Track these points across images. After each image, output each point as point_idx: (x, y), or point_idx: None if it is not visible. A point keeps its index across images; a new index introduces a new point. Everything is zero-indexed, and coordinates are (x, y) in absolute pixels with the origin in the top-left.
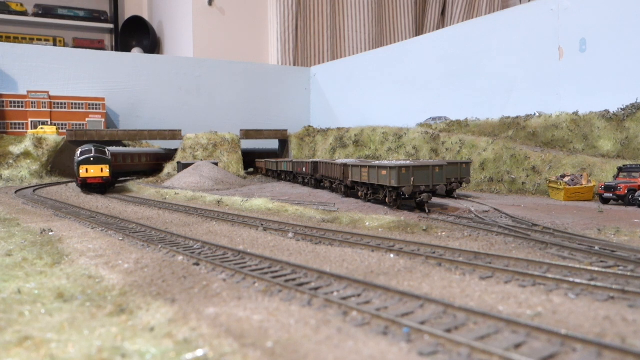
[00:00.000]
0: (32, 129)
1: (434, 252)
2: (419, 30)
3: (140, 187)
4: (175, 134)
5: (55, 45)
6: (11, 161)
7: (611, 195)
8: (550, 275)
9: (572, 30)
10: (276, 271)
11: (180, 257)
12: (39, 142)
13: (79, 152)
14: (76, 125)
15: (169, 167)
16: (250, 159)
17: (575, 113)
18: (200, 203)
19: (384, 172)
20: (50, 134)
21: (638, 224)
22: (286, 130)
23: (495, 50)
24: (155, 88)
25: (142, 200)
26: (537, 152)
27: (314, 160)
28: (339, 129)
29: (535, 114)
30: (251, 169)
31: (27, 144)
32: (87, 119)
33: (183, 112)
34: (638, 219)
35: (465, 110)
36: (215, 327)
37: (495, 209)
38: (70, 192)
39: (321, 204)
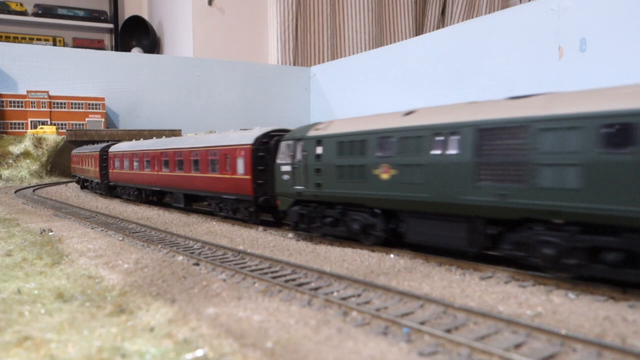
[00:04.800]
0: (31, 128)
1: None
2: (419, 30)
3: None
4: (175, 134)
5: (55, 45)
6: (11, 161)
7: None
8: (550, 275)
9: (572, 30)
10: (276, 271)
11: (180, 257)
12: (38, 142)
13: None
14: (76, 125)
15: None
16: None
17: None
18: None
19: None
20: (50, 133)
21: None
22: None
23: (496, 50)
24: (155, 88)
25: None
26: None
27: None
28: None
29: None
30: None
31: (26, 144)
32: (87, 119)
33: (183, 112)
34: None
35: None
36: (215, 327)
37: None
38: (69, 192)
39: None
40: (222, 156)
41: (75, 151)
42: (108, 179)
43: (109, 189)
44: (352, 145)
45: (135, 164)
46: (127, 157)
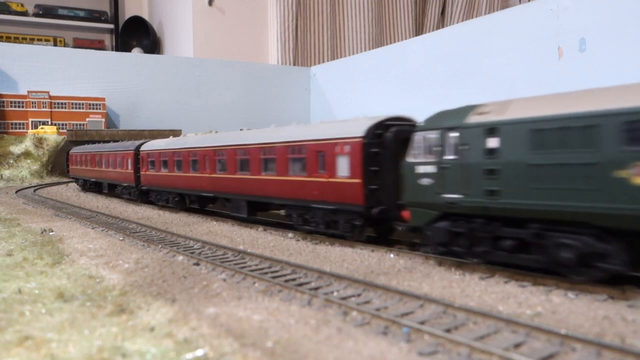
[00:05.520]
0: (32, 128)
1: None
2: (419, 30)
3: None
4: (175, 134)
5: (55, 45)
6: (11, 161)
7: None
8: (550, 275)
9: (572, 30)
10: (276, 271)
11: (181, 257)
12: (39, 142)
13: None
14: (76, 125)
15: None
16: None
17: None
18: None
19: None
20: (51, 133)
21: None
22: None
23: (495, 50)
24: (155, 88)
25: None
26: None
27: None
28: None
29: None
30: None
31: (27, 144)
32: (87, 119)
33: (183, 112)
34: None
35: None
36: (215, 327)
37: None
38: (70, 192)
39: None
40: (312, 153)
41: (76, 150)
42: (140, 182)
43: (141, 194)
44: (565, 134)
45: (176, 164)
46: (165, 156)
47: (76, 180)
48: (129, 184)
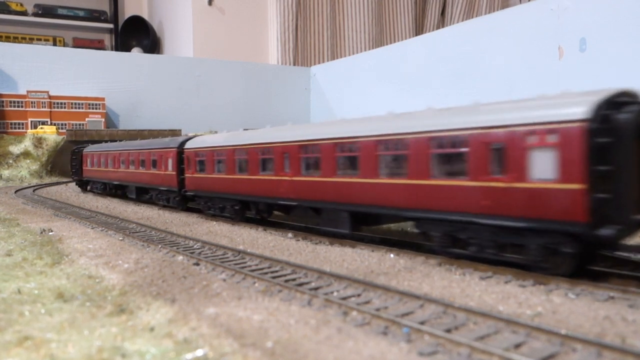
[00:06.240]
0: (31, 128)
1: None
2: (419, 30)
3: None
4: (175, 134)
5: (55, 45)
6: (11, 161)
7: None
8: (550, 275)
9: (572, 30)
10: (276, 271)
11: (180, 257)
12: (38, 141)
13: None
14: (76, 125)
15: None
16: None
17: None
18: None
19: None
20: (50, 133)
21: None
22: None
23: (496, 50)
24: (155, 88)
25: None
26: None
27: None
28: None
29: None
30: None
31: (26, 144)
32: (87, 119)
33: (183, 112)
34: None
35: None
36: (215, 327)
37: None
38: (70, 192)
39: None
40: (479, 147)
41: (92, 149)
42: (184, 186)
43: (183, 200)
44: None
45: (239, 164)
46: (221, 154)
47: (82, 183)
48: (169, 188)
